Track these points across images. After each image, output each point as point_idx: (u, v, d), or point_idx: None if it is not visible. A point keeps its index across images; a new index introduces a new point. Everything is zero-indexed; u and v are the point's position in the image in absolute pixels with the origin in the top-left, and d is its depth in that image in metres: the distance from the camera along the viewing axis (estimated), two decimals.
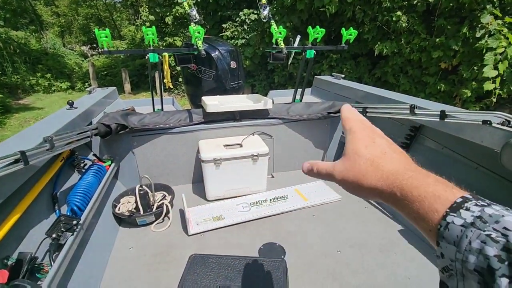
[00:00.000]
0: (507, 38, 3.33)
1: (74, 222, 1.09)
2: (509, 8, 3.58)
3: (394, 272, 1.20)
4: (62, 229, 1.05)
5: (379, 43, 4.33)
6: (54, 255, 1.00)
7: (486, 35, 3.46)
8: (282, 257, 1.29)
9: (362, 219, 1.56)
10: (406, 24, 4.03)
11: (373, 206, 1.66)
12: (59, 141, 1.13)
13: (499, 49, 3.32)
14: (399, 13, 4.01)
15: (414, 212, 0.28)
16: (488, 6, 3.42)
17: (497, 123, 1.10)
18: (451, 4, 3.66)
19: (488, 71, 3.39)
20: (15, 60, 9.08)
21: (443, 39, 3.76)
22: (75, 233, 1.06)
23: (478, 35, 3.50)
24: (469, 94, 3.62)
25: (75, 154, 1.49)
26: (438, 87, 3.98)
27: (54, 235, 1.03)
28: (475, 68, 3.55)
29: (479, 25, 3.49)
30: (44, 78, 9.55)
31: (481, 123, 1.13)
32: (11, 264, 0.88)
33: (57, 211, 1.19)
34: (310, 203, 1.68)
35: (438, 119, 1.29)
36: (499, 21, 3.42)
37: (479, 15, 3.45)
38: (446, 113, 1.26)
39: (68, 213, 1.20)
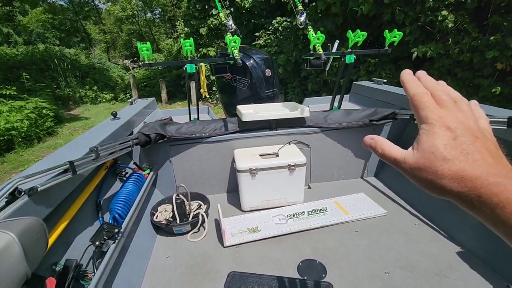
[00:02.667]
0: None
1: (116, 230, 1.11)
2: None
3: None
4: (105, 237, 1.08)
5: (420, 46, 4.05)
6: (97, 262, 1.02)
7: None
8: (324, 276, 1.20)
9: (412, 237, 1.40)
10: (453, 24, 3.72)
11: (424, 223, 1.49)
12: (104, 151, 1.17)
13: None
14: (445, 12, 3.71)
15: (493, 218, 0.26)
16: None
17: None
18: None
19: None
20: (68, 75, 10.02)
21: (499, 37, 3.39)
22: (116, 241, 1.08)
23: None
24: None
25: (117, 163, 1.55)
26: (494, 90, 3.59)
27: (97, 243, 1.06)
28: None
29: None
30: (92, 90, 10.41)
31: None
32: (59, 270, 0.90)
33: (100, 218, 1.23)
34: (352, 217, 1.56)
35: (506, 127, 1.13)
36: None
37: None
38: None
39: (110, 221, 1.24)
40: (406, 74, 0.36)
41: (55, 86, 9.57)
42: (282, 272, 1.23)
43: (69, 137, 6.25)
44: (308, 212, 1.63)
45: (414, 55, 4.07)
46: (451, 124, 0.30)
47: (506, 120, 1.13)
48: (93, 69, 11.83)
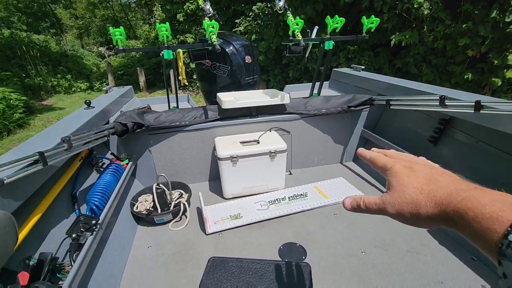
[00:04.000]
0: None
1: (93, 221, 1.09)
2: None
3: (425, 275, 1.12)
4: (82, 229, 1.05)
5: (397, 33, 4.13)
6: (74, 255, 1.00)
7: None
8: (303, 258, 1.24)
9: (388, 218, 1.47)
10: (429, 11, 3.81)
11: None
12: (77, 141, 1.12)
13: None
14: None
15: (472, 233, 0.28)
16: None
17: None
18: None
19: None
20: (37, 63, 9.42)
21: (470, 25, 3.52)
22: (94, 232, 1.05)
23: (508, 19, 3.25)
24: (499, 83, 3.39)
25: (93, 154, 1.50)
26: (465, 77, 3.75)
27: (74, 235, 1.03)
28: (507, 54, 3.31)
29: (510, 8, 3.23)
30: (65, 79, 9.87)
31: None
32: (33, 265, 0.88)
33: (77, 210, 1.19)
34: (331, 201, 1.61)
35: (473, 111, 1.19)
36: None
37: None
38: (482, 103, 1.15)
39: (87, 213, 1.21)
40: (362, 151, 0.46)
41: (23, 75, 8.98)
42: (263, 256, 1.26)
43: (42, 128, 5.94)
44: (289, 197, 1.66)
45: (392, 42, 4.16)
46: (405, 163, 0.38)
47: (473, 104, 1.18)
48: (65, 56, 11.16)
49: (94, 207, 1.22)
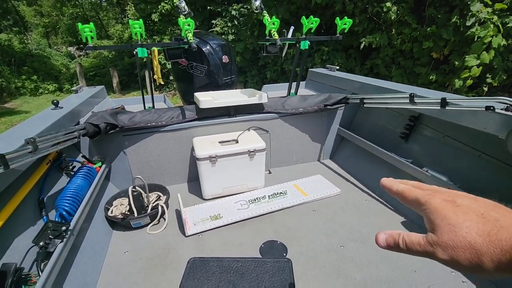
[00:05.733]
0: (497, 26, 3.33)
1: (63, 228, 1.03)
2: None
3: (399, 265, 1.17)
4: (50, 236, 0.99)
5: (368, 35, 4.31)
6: (42, 264, 0.93)
7: (477, 23, 3.45)
8: (284, 254, 1.25)
9: (364, 212, 1.52)
10: (395, 16, 4.01)
11: (374, 199, 1.63)
12: (43, 142, 1.05)
13: (487, 38, 3.33)
14: (388, 4, 3.98)
15: None
16: None
17: (501, 109, 1.07)
18: None
19: (470, 60, 3.41)
20: None
21: (434, 28, 3.75)
22: (64, 239, 0.99)
23: (468, 23, 3.49)
24: (461, 84, 3.63)
25: (62, 156, 1.41)
26: (431, 78, 3.98)
27: (41, 243, 0.96)
28: (466, 57, 3.55)
29: (469, 13, 3.48)
30: (30, 80, 9.28)
31: (484, 109, 1.10)
32: None
33: (45, 217, 1.12)
34: (310, 198, 1.64)
35: (439, 107, 1.26)
36: (489, 9, 3.42)
37: (468, 3, 3.44)
38: (447, 100, 1.23)
39: (56, 219, 1.14)
40: (387, 182, 0.39)
41: None
42: (244, 255, 1.26)
43: None
44: (269, 196, 1.67)
45: (362, 45, 4.32)
46: (444, 196, 0.31)
47: (439, 101, 1.26)
48: (30, 56, 10.50)
49: (64, 213, 1.15)
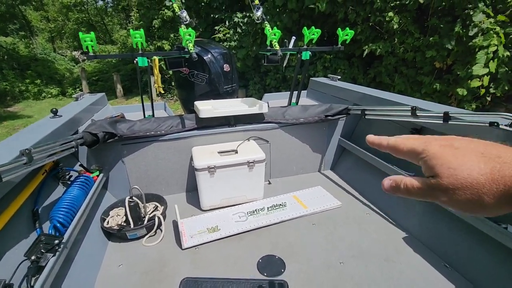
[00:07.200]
0: (500, 37, 3.32)
1: (56, 241, 1.00)
2: (500, 6, 3.58)
3: (400, 284, 1.14)
4: (42, 250, 0.96)
5: (370, 44, 4.31)
6: (33, 279, 0.91)
7: (479, 34, 3.44)
8: (282, 270, 1.22)
9: (364, 226, 1.49)
10: (397, 26, 4.01)
11: (375, 212, 1.59)
12: (39, 153, 1.04)
13: (491, 47, 3.31)
14: (391, 13, 3.99)
15: None
16: (480, 5, 3.41)
17: (505, 125, 1.05)
18: (443, 3, 3.65)
19: (478, 69, 3.38)
20: (3, 67, 8.87)
21: (437, 38, 3.74)
22: (57, 253, 0.97)
23: (471, 33, 3.48)
24: (464, 93, 3.60)
25: (59, 166, 1.40)
26: (434, 87, 3.96)
27: (33, 257, 0.94)
28: (469, 66, 3.54)
29: (472, 24, 3.47)
30: (34, 84, 9.36)
31: (487, 125, 1.08)
32: None
33: (38, 229, 1.09)
34: (310, 211, 1.60)
35: (442, 121, 1.24)
36: (491, 20, 3.41)
37: (471, 13, 3.43)
38: (450, 114, 1.21)
39: (50, 231, 1.11)
40: (374, 138, 0.38)
41: None
42: (242, 269, 1.23)
43: (6, 137, 5.56)
44: (268, 208, 1.64)
45: (365, 52, 4.32)
46: (441, 142, 0.31)
47: (442, 115, 1.24)
48: (35, 60, 10.61)
49: (58, 225, 1.13)
